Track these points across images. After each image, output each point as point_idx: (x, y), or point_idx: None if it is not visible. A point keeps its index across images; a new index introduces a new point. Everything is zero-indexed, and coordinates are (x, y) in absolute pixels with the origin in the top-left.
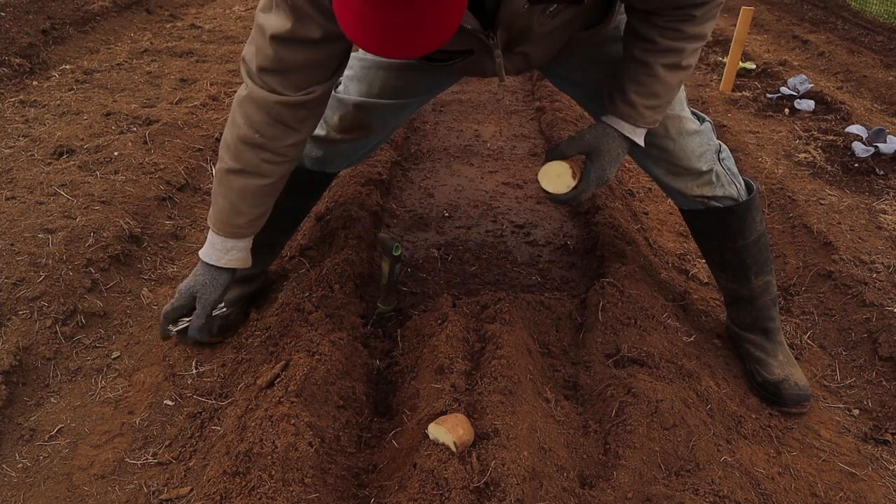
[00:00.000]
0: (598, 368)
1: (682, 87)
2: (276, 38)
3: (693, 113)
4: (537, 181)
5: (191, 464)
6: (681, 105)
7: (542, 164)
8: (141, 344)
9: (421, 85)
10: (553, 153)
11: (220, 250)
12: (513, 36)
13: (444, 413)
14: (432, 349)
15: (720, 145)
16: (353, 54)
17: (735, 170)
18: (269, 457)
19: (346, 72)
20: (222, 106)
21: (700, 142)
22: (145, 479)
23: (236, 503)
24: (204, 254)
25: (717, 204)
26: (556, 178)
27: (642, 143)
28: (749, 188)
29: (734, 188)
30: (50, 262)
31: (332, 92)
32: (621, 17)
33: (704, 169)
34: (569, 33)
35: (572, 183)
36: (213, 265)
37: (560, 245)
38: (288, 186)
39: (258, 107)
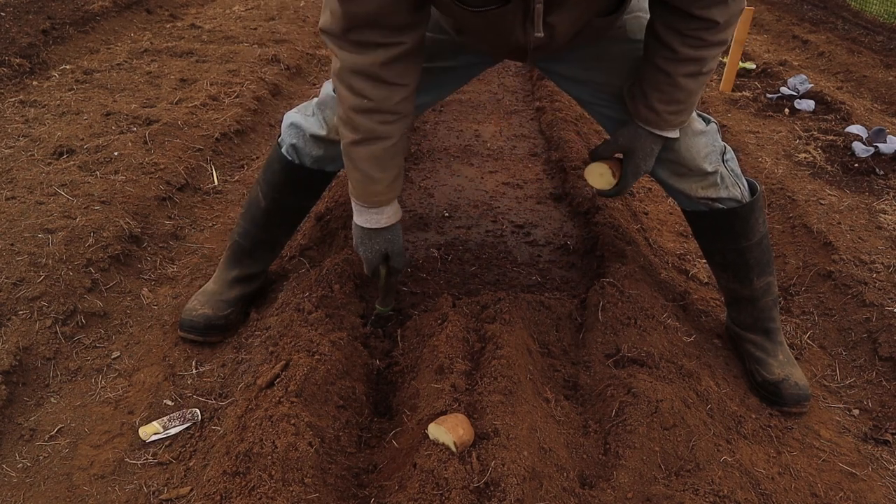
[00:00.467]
0: (598, 368)
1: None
2: None
3: (699, 114)
4: (584, 179)
5: (191, 464)
6: None
7: (586, 166)
8: (141, 344)
9: (423, 86)
10: (593, 155)
11: (374, 215)
12: None
13: (444, 413)
14: (432, 349)
15: (725, 146)
16: None
17: (739, 171)
18: (269, 457)
19: None
20: (222, 106)
21: (706, 143)
22: (145, 479)
23: (236, 503)
24: (361, 221)
25: (721, 205)
26: (599, 176)
27: (677, 135)
28: (752, 189)
29: (738, 190)
30: (50, 262)
31: (332, 93)
32: (627, 18)
33: (709, 170)
34: (591, 12)
35: (613, 181)
36: (373, 228)
37: (560, 245)
38: (287, 185)
39: (354, 73)
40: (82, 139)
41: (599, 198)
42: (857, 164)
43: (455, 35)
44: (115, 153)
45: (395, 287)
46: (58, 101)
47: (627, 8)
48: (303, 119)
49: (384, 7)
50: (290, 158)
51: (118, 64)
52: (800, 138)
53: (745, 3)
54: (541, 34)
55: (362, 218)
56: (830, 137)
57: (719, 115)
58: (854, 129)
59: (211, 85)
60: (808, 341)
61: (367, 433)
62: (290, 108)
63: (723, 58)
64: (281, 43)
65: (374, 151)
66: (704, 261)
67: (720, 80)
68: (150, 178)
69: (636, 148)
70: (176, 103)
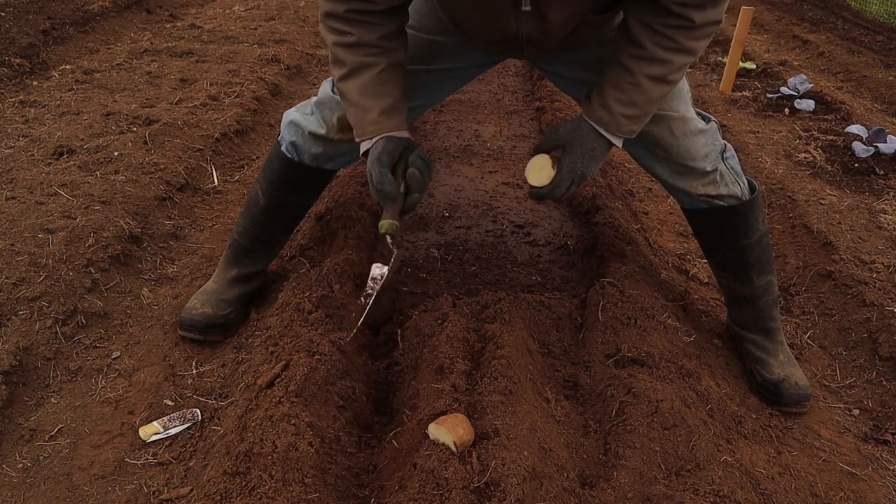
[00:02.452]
0: (598, 368)
1: (687, 86)
2: None
3: (699, 113)
4: (525, 176)
5: (191, 464)
6: (686, 106)
7: (529, 160)
8: (141, 344)
9: (422, 87)
10: (535, 149)
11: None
12: None
13: (444, 413)
14: (432, 349)
15: (725, 145)
16: None
17: (739, 169)
18: (270, 457)
19: None
20: (222, 106)
21: (705, 142)
22: (145, 479)
23: (236, 503)
24: (364, 146)
25: (721, 203)
26: (539, 170)
27: (620, 145)
28: (752, 188)
29: (738, 187)
30: (50, 262)
31: (330, 93)
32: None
33: (709, 169)
34: (585, 8)
35: (551, 174)
36: (370, 140)
37: (560, 245)
38: (287, 182)
39: (331, 16)
40: (82, 139)
41: (532, 199)
42: (857, 164)
43: (453, 27)
44: (115, 153)
45: (399, 204)
46: (58, 101)
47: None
48: (302, 117)
49: None
50: (289, 156)
51: (118, 64)
52: (800, 138)
53: (723, 18)
54: (528, 7)
55: (364, 146)
56: (830, 137)
57: (719, 114)
58: (854, 128)
59: (211, 85)
60: (809, 341)
61: (367, 433)
62: (291, 108)
63: (723, 58)
64: (281, 43)
65: (363, 80)
66: (704, 261)
67: (720, 80)
68: (150, 178)
69: (575, 142)
70: (176, 103)
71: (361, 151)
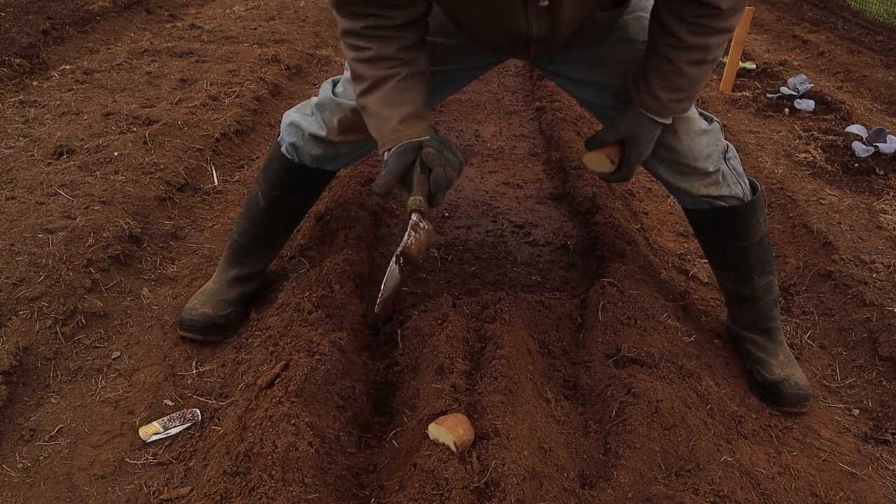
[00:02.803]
0: (598, 368)
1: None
2: None
3: (702, 113)
4: (584, 165)
5: (191, 464)
6: None
7: (585, 154)
8: (141, 344)
9: None
10: (591, 143)
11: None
12: None
13: (444, 413)
14: (432, 349)
15: (727, 145)
16: None
17: (741, 170)
18: (270, 457)
19: (346, 73)
20: (222, 106)
21: (708, 142)
22: (145, 479)
23: (236, 503)
24: (385, 149)
25: (723, 203)
26: (598, 163)
27: (670, 121)
28: (754, 189)
29: (740, 188)
30: (50, 262)
31: (331, 95)
32: (629, 18)
33: (711, 169)
34: (593, 3)
35: (612, 167)
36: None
37: (560, 245)
38: (287, 183)
39: (350, 34)
40: (82, 139)
41: (603, 181)
42: (857, 164)
43: (458, 31)
44: (115, 153)
45: (436, 177)
46: (58, 101)
47: (629, 7)
48: (302, 118)
49: None
50: (289, 157)
51: (118, 64)
52: (800, 138)
53: None
54: (546, 2)
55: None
56: (830, 137)
57: (719, 114)
58: (854, 128)
59: (211, 85)
60: (809, 341)
61: (367, 433)
62: (291, 108)
63: (723, 58)
64: (281, 43)
65: (384, 91)
66: (704, 261)
67: (720, 80)
68: (150, 178)
69: (638, 135)
70: (176, 103)
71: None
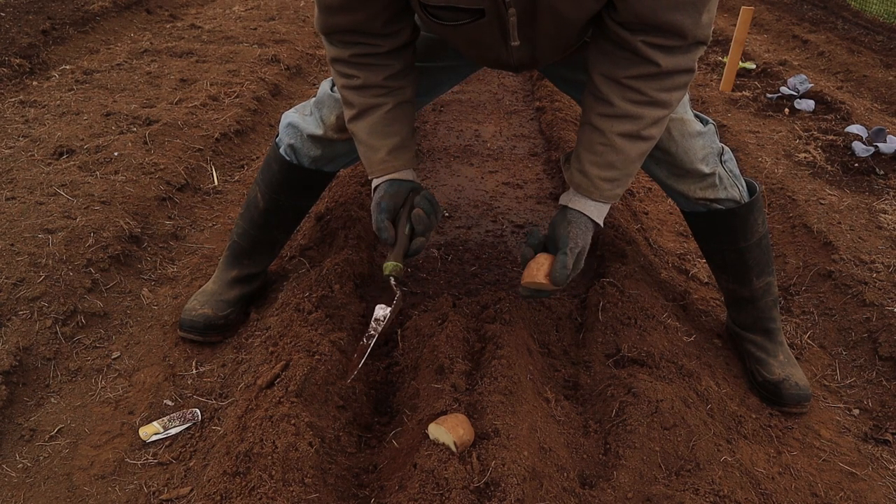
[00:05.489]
0: (598, 368)
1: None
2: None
3: (697, 115)
4: (525, 254)
5: (191, 464)
6: (684, 108)
7: (523, 269)
8: (141, 344)
9: (420, 86)
10: (523, 256)
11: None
12: (523, 4)
13: (444, 413)
14: (432, 349)
15: (723, 147)
16: None
17: (737, 172)
18: (270, 457)
19: None
20: (222, 106)
21: (703, 144)
22: (145, 479)
23: (236, 503)
24: (375, 184)
25: (720, 206)
26: (539, 268)
27: (601, 224)
28: (751, 190)
29: (736, 190)
30: (50, 262)
31: (329, 91)
32: None
33: (707, 171)
34: (575, 34)
35: (549, 285)
36: (387, 179)
37: None
38: (286, 185)
39: (338, 61)
40: (82, 139)
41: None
42: (857, 164)
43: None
44: (115, 153)
45: (415, 245)
46: (58, 102)
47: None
48: (300, 119)
49: (358, 22)
50: (288, 159)
51: (118, 64)
52: (800, 138)
53: (695, 68)
54: (517, 42)
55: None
56: (830, 137)
57: (719, 114)
58: (854, 128)
59: (211, 85)
60: (809, 341)
61: (367, 433)
62: (290, 109)
63: (723, 58)
64: (281, 43)
65: (372, 121)
66: (704, 261)
67: (720, 79)
68: (150, 178)
69: (568, 237)
70: (176, 103)
71: (373, 191)
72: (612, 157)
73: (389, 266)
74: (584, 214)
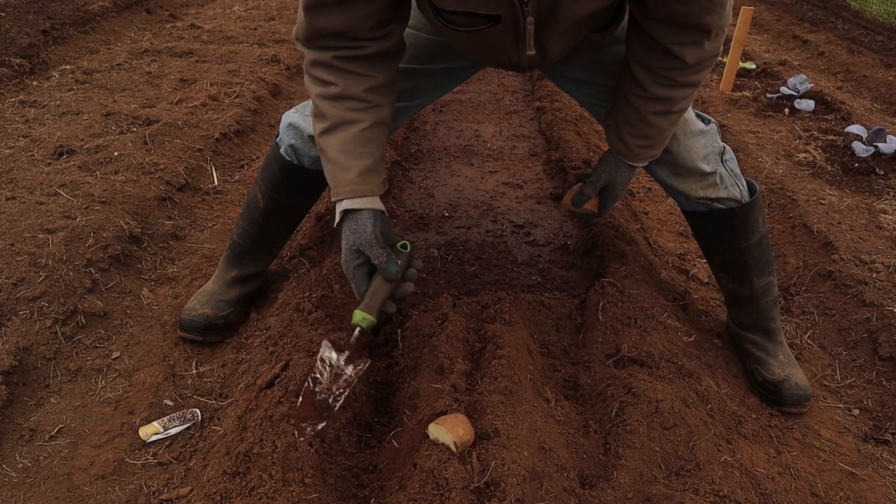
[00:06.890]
0: (598, 368)
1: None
2: (307, 6)
3: (698, 114)
4: (560, 206)
5: (191, 464)
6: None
7: (568, 204)
8: (141, 344)
9: (421, 87)
10: (578, 201)
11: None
12: (541, 12)
13: (444, 413)
14: (432, 349)
15: (724, 147)
16: None
17: (738, 171)
18: (270, 457)
19: None
20: (222, 106)
21: (705, 143)
22: (145, 479)
23: (236, 503)
24: (339, 206)
25: (720, 206)
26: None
27: (643, 164)
28: (752, 190)
29: (737, 190)
30: (50, 262)
31: None
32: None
33: (708, 170)
34: (585, 30)
35: (593, 211)
36: (352, 210)
37: (560, 245)
38: (286, 185)
39: (317, 65)
40: (82, 139)
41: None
42: (857, 164)
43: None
44: (115, 153)
45: (382, 294)
46: (58, 102)
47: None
48: (301, 119)
49: (347, 25)
50: (288, 159)
51: (118, 64)
52: (800, 138)
53: (720, 49)
54: (532, 52)
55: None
56: (830, 137)
57: (719, 114)
58: (854, 128)
59: (211, 85)
60: (809, 341)
61: (367, 433)
62: (290, 109)
63: (723, 58)
64: (281, 43)
65: (345, 137)
66: (704, 260)
67: (720, 79)
68: (150, 178)
69: (615, 181)
70: (176, 103)
71: (337, 213)
72: (647, 131)
73: (359, 315)
74: (631, 165)
